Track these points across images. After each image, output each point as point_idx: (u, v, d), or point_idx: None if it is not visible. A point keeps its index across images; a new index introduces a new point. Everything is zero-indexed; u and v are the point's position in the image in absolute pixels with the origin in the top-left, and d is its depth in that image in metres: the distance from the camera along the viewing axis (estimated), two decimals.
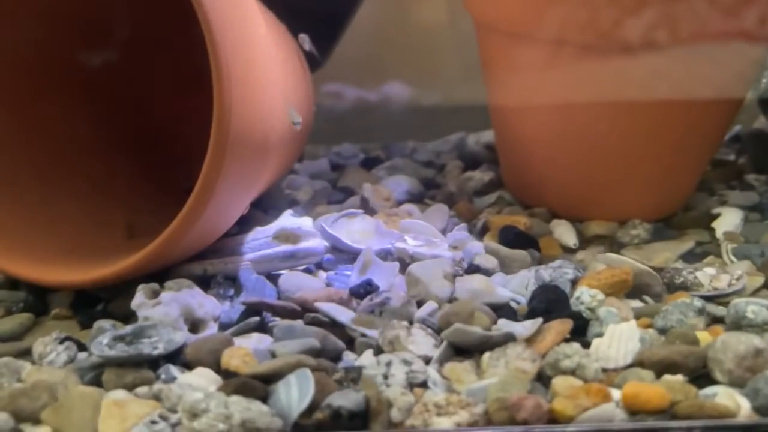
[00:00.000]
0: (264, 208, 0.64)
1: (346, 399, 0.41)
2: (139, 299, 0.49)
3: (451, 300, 0.51)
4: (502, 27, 0.58)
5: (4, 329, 0.51)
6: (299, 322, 0.50)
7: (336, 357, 0.48)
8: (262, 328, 0.50)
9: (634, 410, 0.40)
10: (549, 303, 0.48)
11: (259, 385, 0.43)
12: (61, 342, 0.49)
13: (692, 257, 0.58)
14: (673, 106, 0.57)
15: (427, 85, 0.91)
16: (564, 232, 0.59)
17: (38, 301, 0.54)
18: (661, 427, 0.40)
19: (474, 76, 0.82)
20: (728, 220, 0.61)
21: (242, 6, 0.53)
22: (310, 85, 0.67)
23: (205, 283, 0.54)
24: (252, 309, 0.51)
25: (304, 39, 0.62)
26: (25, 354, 0.49)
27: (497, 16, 0.59)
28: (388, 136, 0.85)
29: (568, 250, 0.58)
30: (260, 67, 0.52)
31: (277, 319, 0.51)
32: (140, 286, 0.50)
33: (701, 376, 0.42)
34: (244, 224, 0.59)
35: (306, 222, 0.60)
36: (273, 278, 0.55)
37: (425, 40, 0.90)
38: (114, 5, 0.62)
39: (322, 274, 0.56)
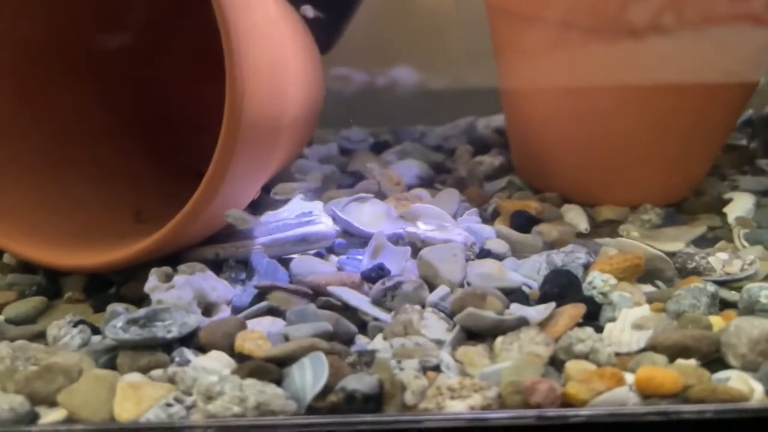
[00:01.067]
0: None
1: (360, 382, 0.42)
2: (152, 282, 0.50)
3: (463, 284, 0.51)
4: (512, 8, 0.58)
5: (18, 312, 0.52)
6: (311, 306, 0.50)
7: (348, 341, 0.48)
8: (275, 311, 0.51)
9: (647, 394, 0.40)
10: (561, 288, 0.48)
11: (273, 368, 0.44)
12: (75, 325, 0.49)
13: (704, 242, 0.58)
14: (683, 91, 0.57)
15: (434, 69, 0.91)
16: (575, 217, 0.59)
17: (51, 284, 0.54)
18: (674, 411, 0.41)
19: (481, 60, 0.83)
20: (740, 206, 0.62)
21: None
22: (320, 68, 0.67)
23: (217, 266, 0.54)
24: (263, 292, 0.52)
25: (307, 9, 0.62)
26: (39, 337, 0.49)
27: None
28: (395, 119, 0.85)
29: (579, 235, 0.59)
30: (272, 50, 0.52)
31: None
32: (153, 270, 0.50)
33: (714, 361, 0.43)
34: (255, 208, 0.60)
35: (317, 206, 0.61)
36: (285, 262, 0.55)
37: (433, 23, 0.90)
38: None
39: (334, 258, 0.56)
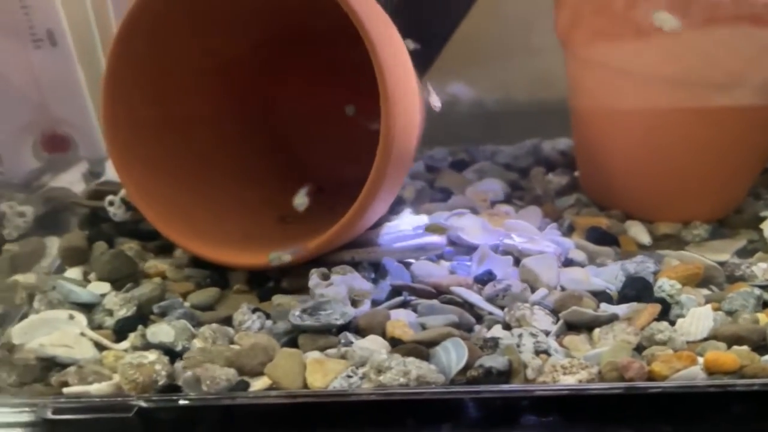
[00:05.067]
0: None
1: (495, 361, 0.56)
2: (314, 280, 0.64)
3: (557, 287, 0.66)
4: (593, 58, 0.73)
5: (201, 299, 0.66)
6: (436, 302, 0.65)
7: (469, 330, 0.63)
8: (406, 304, 0.65)
9: (712, 371, 0.56)
10: (638, 291, 0.63)
11: (423, 349, 0.58)
12: (253, 312, 0.64)
13: (744, 253, 0.73)
14: (734, 125, 0.71)
15: (490, 89, 1.04)
16: (638, 232, 0.74)
17: (221, 277, 0.68)
18: (730, 384, 0.56)
19: (538, 83, 0.96)
20: None
21: (388, 22, 0.67)
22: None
23: (352, 267, 0.69)
24: (396, 289, 0.66)
25: (408, 42, 0.74)
26: (224, 321, 0.64)
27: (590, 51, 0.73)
28: (452, 139, 0.98)
29: (642, 247, 0.73)
30: (407, 81, 0.66)
31: (414, 298, 0.66)
32: (313, 270, 0.65)
33: (761, 347, 0.58)
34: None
35: (423, 219, 0.75)
36: (405, 265, 0.70)
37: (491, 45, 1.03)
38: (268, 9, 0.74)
39: (444, 263, 0.71)
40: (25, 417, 0.58)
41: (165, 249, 0.72)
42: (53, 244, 0.70)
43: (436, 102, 0.68)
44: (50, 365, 0.58)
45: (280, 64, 0.78)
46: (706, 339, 0.59)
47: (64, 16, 0.80)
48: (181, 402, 0.56)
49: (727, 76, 0.67)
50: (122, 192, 0.75)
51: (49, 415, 0.58)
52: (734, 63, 0.68)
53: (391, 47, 0.64)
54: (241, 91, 0.77)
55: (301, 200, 0.65)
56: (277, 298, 0.64)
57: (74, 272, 0.68)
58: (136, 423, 0.57)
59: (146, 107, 0.69)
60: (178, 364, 0.57)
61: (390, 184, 0.65)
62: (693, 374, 0.56)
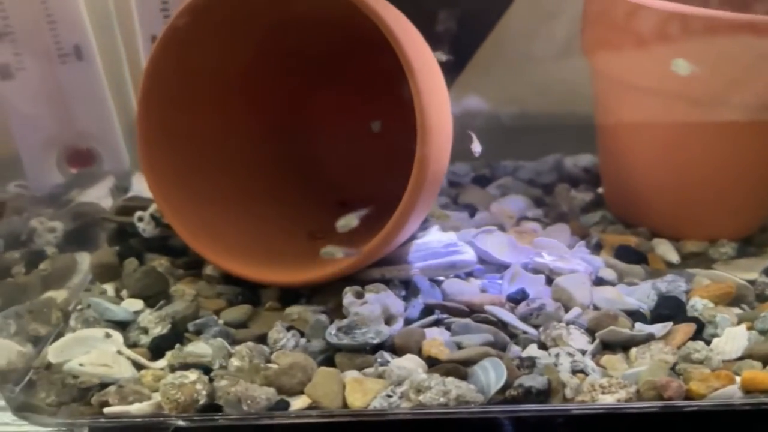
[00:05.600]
0: None
1: (534, 380, 0.57)
2: (348, 299, 0.64)
3: (589, 306, 0.66)
4: (623, 78, 0.74)
5: (233, 317, 0.66)
6: (470, 320, 0.65)
7: (503, 349, 0.63)
8: (439, 322, 0.66)
9: (749, 390, 0.56)
10: (671, 310, 0.64)
11: (462, 369, 0.59)
12: (288, 330, 0.64)
13: None
14: (760, 147, 0.72)
15: (505, 103, 1.05)
16: (666, 250, 0.75)
17: (252, 294, 0.69)
18: (764, 402, 0.56)
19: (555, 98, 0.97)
20: None
21: (421, 39, 0.67)
22: None
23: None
24: (428, 308, 0.67)
25: (439, 54, 0.74)
26: (258, 339, 0.64)
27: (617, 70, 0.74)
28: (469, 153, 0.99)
29: (670, 265, 0.74)
30: (441, 103, 0.66)
31: (447, 316, 0.66)
32: (347, 288, 0.65)
33: None
34: None
35: (452, 236, 0.76)
36: (436, 283, 0.70)
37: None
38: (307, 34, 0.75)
39: (473, 280, 0.71)
40: None
41: (194, 265, 0.72)
42: (83, 260, 0.71)
43: (477, 148, 0.69)
44: (89, 385, 0.59)
45: (309, 80, 0.78)
46: (741, 358, 0.60)
47: (91, 30, 0.81)
48: (221, 421, 0.57)
49: (753, 96, 0.68)
50: (151, 207, 0.76)
51: None
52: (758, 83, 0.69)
53: (428, 71, 0.65)
54: (269, 108, 0.77)
55: (347, 222, 0.65)
56: (317, 317, 0.64)
57: (106, 289, 0.69)
58: None
59: (179, 126, 0.70)
60: (218, 383, 0.58)
61: (424, 202, 0.66)
62: (730, 393, 0.56)
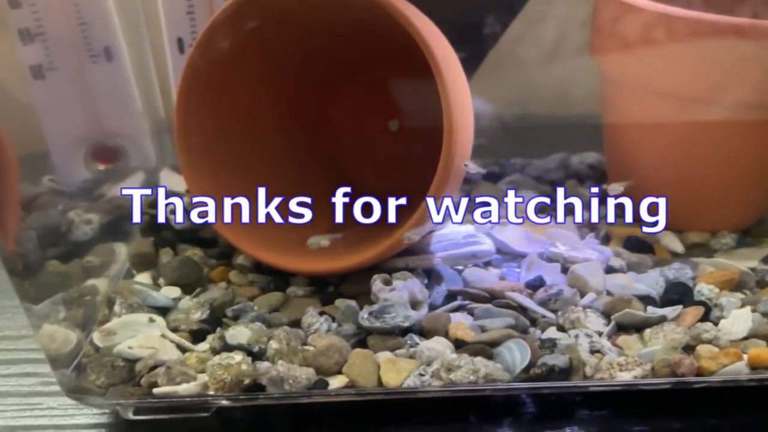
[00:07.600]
0: None
1: (557, 359, 0.61)
2: (378, 285, 0.68)
3: (602, 292, 0.71)
4: (629, 83, 0.78)
5: (267, 304, 0.69)
6: (491, 305, 0.69)
7: (524, 331, 0.67)
8: (462, 308, 0.70)
9: (755, 366, 0.61)
10: (680, 294, 0.69)
11: (488, 349, 0.63)
12: (320, 314, 0.68)
13: None
14: (761, 144, 0.77)
15: (512, 102, 1.09)
16: (671, 241, 0.80)
17: (284, 282, 0.72)
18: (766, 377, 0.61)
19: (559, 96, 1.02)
20: None
21: (446, 44, 0.71)
22: None
23: None
24: (452, 294, 0.71)
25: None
26: (293, 324, 0.67)
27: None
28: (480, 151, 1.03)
29: (675, 255, 0.79)
30: (465, 105, 0.70)
31: (469, 302, 0.70)
32: (375, 276, 0.69)
33: None
34: None
35: (469, 228, 0.80)
36: (456, 272, 0.75)
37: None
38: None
39: (492, 269, 0.76)
40: (107, 418, 0.62)
41: (225, 255, 0.76)
42: (120, 251, 0.74)
43: (474, 170, 0.72)
44: (135, 366, 0.63)
45: (334, 80, 0.82)
46: (746, 338, 0.65)
47: (120, 33, 0.84)
48: (261, 400, 0.61)
49: (758, 95, 0.73)
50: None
51: (130, 416, 0.62)
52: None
53: (453, 70, 0.69)
54: (296, 106, 0.81)
55: (316, 241, 0.69)
56: (345, 302, 0.68)
57: (143, 277, 0.72)
58: (215, 422, 0.62)
59: (213, 124, 0.73)
60: (260, 364, 0.62)
61: (449, 194, 0.70)
62: (738, 369, 0.61)
